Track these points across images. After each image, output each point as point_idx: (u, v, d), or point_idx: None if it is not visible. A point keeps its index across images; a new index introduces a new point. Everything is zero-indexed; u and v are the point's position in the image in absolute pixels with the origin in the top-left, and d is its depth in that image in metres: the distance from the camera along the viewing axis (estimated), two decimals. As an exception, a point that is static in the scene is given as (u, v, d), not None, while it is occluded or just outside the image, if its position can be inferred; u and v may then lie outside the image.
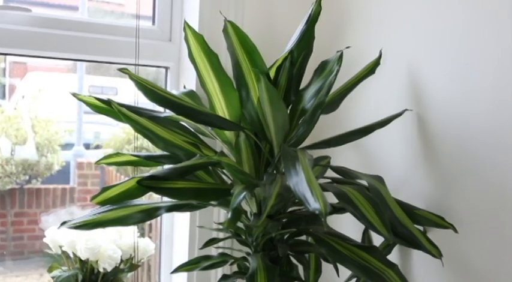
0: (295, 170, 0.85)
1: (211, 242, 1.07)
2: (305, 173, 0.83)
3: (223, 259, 1.08)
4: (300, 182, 0.82)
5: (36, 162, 2.22)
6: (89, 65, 2.43)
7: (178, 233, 1.43)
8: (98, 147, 2.57)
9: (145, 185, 0.91)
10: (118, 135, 2.40)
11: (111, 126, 2.82)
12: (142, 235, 1.35)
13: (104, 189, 0.95)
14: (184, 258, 1.28)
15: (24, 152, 2.22)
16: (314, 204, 0.77)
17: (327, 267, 1.18)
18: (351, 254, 0.95)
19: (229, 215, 0.81)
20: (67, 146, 2.57)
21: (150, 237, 1.39)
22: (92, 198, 0.94)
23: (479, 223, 1.03)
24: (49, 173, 2.27)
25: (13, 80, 2.41)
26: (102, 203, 0.95)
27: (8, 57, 2.27)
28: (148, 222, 1.81)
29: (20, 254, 2.26)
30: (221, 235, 1.12)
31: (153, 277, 1.83)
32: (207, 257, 1.09)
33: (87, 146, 2.61)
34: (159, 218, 1.58)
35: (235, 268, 1.15)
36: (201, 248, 1.06)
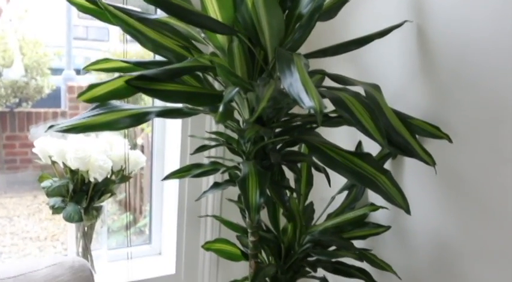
0: (289, 71, 0.82)
1: (203, 148, 1.05)
2: (300, 74, 0.80)
3: (214, 167, 1.07)
4: (294, 82, 0.79)
5: (26, 85, 2.18)
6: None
7: (170, 145, 1.42)
8: (88, 72, 2.53)
9: (134, 85, 0.88)
10: (109, 60, 2.34)
11: (101, 52, 2.75)
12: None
13: (91, 87, 0.91)
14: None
15: (12, 73, 2.17)
16: (309, 103, 0.74)
17: (318, 180, 1.18)
18: (344, 160, 0.93)
19: (220, 109, 0.78)
20: (57, 71, 2.52)
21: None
22: (79, 96, 0.91)
23: (474, 136, 1.02)
24: (39, 96, 2.24)
25: (-2, 2, 2.31)
26: (89, 101, 0.91)
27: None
28: (140, 142, 1.80)
29: (13, 177, 2.26)
30: (213, 144, 1.10)
31: (145, 197, 1.84)
32: (198, 165, 1.08)
33: (77, 72, 2.56)
34: (150, 136, 1.56)
35: (226, 177, 1.15)
36: (192, 154, 1.05)
